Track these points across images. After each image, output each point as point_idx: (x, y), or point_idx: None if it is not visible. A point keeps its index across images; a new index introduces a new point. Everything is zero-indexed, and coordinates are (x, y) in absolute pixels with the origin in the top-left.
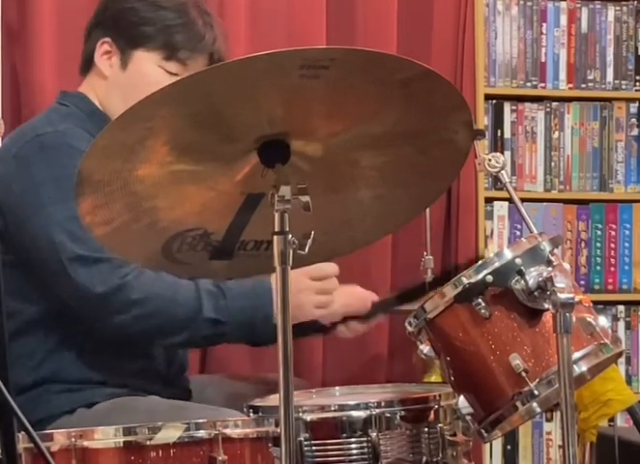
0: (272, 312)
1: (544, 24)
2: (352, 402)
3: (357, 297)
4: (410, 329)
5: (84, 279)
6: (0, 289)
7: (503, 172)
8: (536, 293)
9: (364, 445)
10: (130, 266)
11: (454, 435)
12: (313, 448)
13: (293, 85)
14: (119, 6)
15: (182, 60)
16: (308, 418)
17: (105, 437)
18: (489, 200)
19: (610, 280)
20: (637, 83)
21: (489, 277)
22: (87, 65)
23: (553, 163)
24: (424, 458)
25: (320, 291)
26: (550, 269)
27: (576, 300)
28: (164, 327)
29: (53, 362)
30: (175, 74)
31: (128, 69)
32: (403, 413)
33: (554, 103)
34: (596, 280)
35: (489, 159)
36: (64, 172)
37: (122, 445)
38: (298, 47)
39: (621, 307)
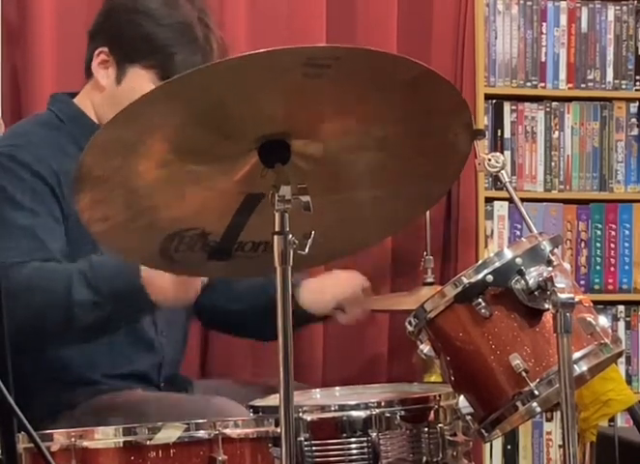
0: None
1: (544, 24)
2: (352, 402)
3: (345, 283)
4: (410, 328)
5: None
6: (0, 290)
7: (503, 172)
8: (536, 293)
9: (364, 445)
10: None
11: (454, 435)
12: (313, 448)
13: (295, 84)
14: (120, 17)
15: None
16: (308, 418)
17: (105, 437)
18: (489, 200)
19: (610, 280)
20: (637, 83)
21: (489, 277)
22: (87, 70)
23: (553, 163)
24: (424, 458)
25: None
26: (550, 269)
27: (576, 300)
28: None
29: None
30: None
31: (122, 84)
32: (403, 413)
33: (554, 103)
34: (596, 280)
35: (489, 159)
36: None
37: (122, 445)
38: (301, 45)
39: (621, 307)
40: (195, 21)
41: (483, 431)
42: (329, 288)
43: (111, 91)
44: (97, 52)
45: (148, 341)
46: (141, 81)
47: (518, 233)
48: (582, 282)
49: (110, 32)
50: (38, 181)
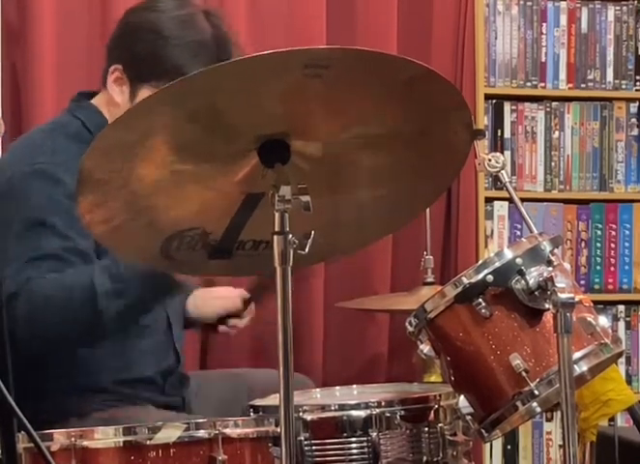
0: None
1: (544, 24)
2: (352, 402)
3: (226, 296)
4: (410, 329)
5: None
6: (0, 291)
7: (503, 172)
8: (536, 293)
9: (365, 445)
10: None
11: (455, 435)
12: (313, 447)
13: (294, 84)
14: (134, 36)
15: None
16: (308, 417)
17: (105, 437)
18: (489, 200)
19: (610, 280)
20: (637, 83)
21: (490, 277)
22: (104, 81)
23: (553, 163)
24: (425, 458)
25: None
26: (550, 269)
27: (576, 300)
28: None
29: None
30: None
31: (134, 103)
32: (403, 413)
33: (554, 103)
34: (596, 280)
35: (489, 159)
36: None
37: (122, 445)
38: (301, 47)
39: (621, 307)
40: (210, 39)
41: (483, 431)
42: (209, 301)
43: (125, 109)
44: (112, 69)
45: (162, 346)
46: None
47: (518, 233)
48: (582, 282)
49: (124, 50)
50: (74, 204)
